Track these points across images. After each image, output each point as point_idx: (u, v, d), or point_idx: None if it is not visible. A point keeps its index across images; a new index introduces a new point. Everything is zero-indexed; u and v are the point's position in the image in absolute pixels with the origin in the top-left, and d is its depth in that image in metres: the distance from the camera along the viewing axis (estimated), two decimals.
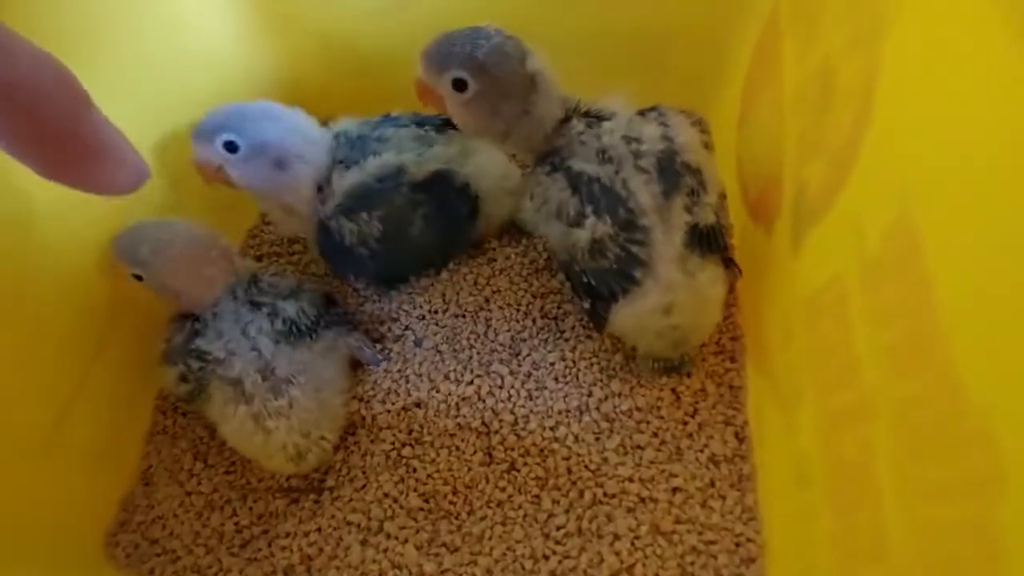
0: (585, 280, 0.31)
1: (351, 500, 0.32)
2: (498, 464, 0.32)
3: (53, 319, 0.31)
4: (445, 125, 0.37)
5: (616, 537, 0.29)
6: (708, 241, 0.31)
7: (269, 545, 0.32)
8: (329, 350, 0.34)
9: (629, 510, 0.30)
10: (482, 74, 0.30)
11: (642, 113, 0.32)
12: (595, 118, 0.32)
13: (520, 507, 0.31)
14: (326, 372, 0.33)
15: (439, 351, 0.35)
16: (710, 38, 0.41)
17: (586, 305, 0.32)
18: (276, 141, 0.33)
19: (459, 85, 0.30)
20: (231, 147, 0.32)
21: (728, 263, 0.32)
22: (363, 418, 0.34)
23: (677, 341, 0.31)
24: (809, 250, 0.28)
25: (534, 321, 0.36)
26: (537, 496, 0.31)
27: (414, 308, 0.37)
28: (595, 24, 0.42)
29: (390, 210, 0.34)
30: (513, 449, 0.32)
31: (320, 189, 0.35)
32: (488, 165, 0.37)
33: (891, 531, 0.22)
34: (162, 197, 0.38)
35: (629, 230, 0.29)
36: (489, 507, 0.31)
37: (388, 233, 0.34)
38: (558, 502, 0.31)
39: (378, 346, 0.36)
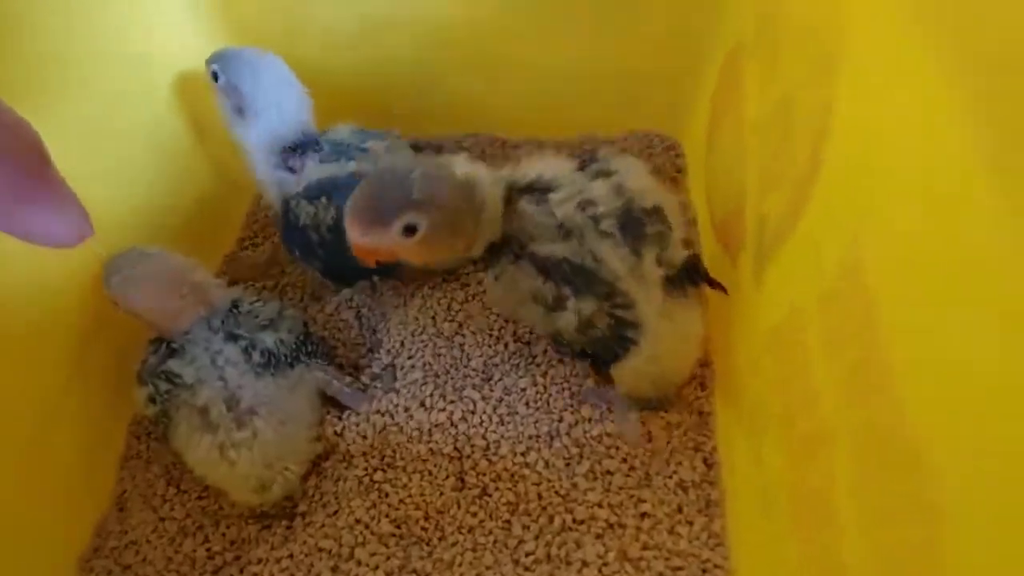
0: (579, 349, 0.31)
1: (323, 526, 0.32)
2: (470, 489, 0.33)
3: (27, 344, 0.31)
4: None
5: (584, 564, 0.29)
6: (687, 277, 0.31)
7: (241, 571, 0.32)
8: (298, 383, 0.34)
9: (598, 536, 0.30)
10: (430, 208, 0.28)
11: (583, 168, 0.31)
12: (540, 191, 0.30)
13: (491, 533, 0.31)
14: (292, 405, 0.33)
15: (413, 378, 0.36)
16: (682, 66, 0.42)
17: (587, 361, 0.33)
18: (244, 90, 0.37)
19: (409, 230, 0.28)
20: (214, 76, 0.37)
21: (712, 284, 0.33)
22: (336, 445, 0.34)
23: (661, 384, 0.32)
24: (771, 281, 0.29)
25: (506, 346, 0.36)
26: (508, 521, 0.31)
27: (388, 336, 0.38)
28: (576, 58, 0.43)
29: (383, 165, 0.35)
30: (485, 474, 0.33)
31: (292, 170, 0.37)
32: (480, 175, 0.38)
33: (850, 556, 0.22)
34: (144, 220, 0.39)
35: (612, 299, 0.29)
36: (460, 533, 0.31)
37: (340, 224, 0.33)
38: (528, 528, 0.31)
39: (352, 377, 0.36)
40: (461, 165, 0.30)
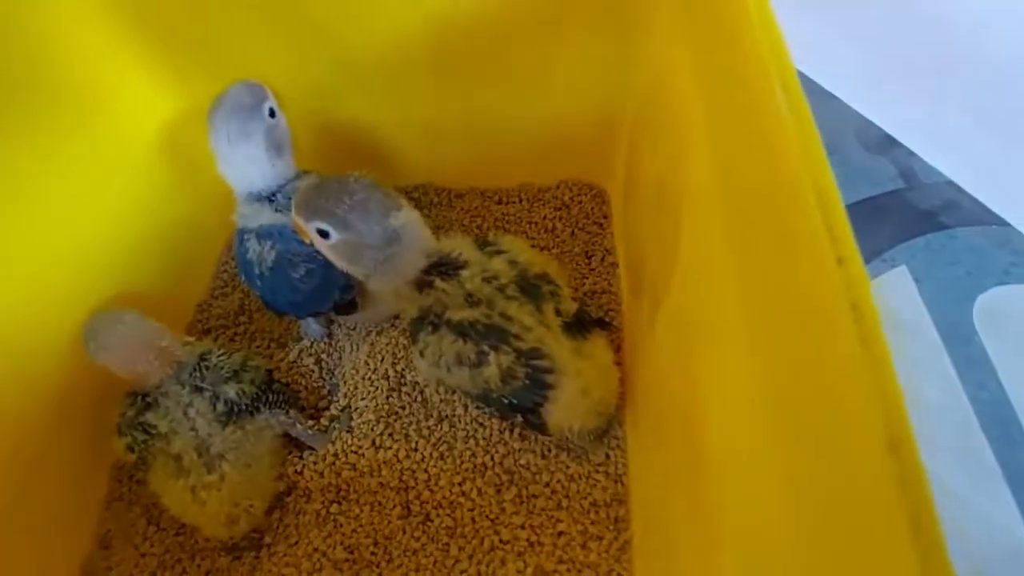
0: (507, 402, 0.35)
1: (285, 555, 0.37)
2: (414, 517, 0.37)
3: (14, 394, 0.35)
4: None
5: None
6: (580, 324, 0.36)
7: None
8: (263, 429, 0.38)
9: (519, 554, 0.35)
10: (344, 228, 0.33)
11: (481, 248, 0.36)
12: (451, 268, 0.35)
13: (431, 555, 0.36)
14: (257, 449, 0.37)
15: (366, 419, 0.40)
16: (603, 122, 0.47)
17: (518, 420, 0.37)
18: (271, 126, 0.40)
19: (323, 234, 0.34)
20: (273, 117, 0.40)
21: (604, 325, 0.38)
22: (296, 482, 0.39)
23: (600, 411, 0.36)
24: (658, 327, 0.34)
25: (445, 388, 0.41)
26: (447, 544, 0.36)
27: (344, 380, 0.42)
28: (506, 114, 0.48)
29: (284, 251, 0.39)
30: (427, 503, 0.37)
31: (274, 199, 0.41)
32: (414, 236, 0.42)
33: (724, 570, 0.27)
34: (119, 273, 0.43)
35: (526, 352, 0.33)
36: (405, 555, 0.36)
37: (275, 267, 0.39)
38: (463, 548, 0.36)
39: (313, 422, 0.41)
40: (407, 217, 0.34)
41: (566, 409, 0.35)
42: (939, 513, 0.12)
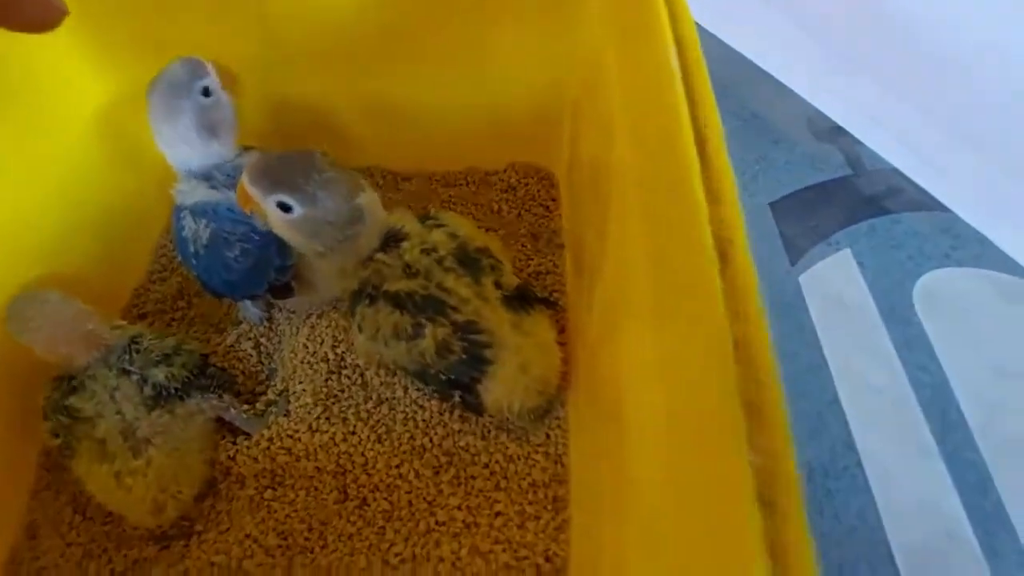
0: (444, 378, 0.34)
1: (215, 543, 0.35)
2: (351, 501, 0.36)
3: None
4: None
5: (440, 560, 0.33)
6: (523, 299, 0.36)
7: None
8: (193, 413, 0.37)
9: (455, 535, 0.34)
10: (310, 204, 0.32)
11: (422, 222, 0.36)
12: (392, 240, 0.35)
13: (367, 539, 0.35)
14: (186, 433, 0.36)
15: (303, 402, 0.39)
16: (549, 106, 0.47)
17: (456, 398, 0.36)
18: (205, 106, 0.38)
19: (284, 207, 0.32)
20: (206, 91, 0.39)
21: (548, 304, 0.38)
22: (230, 468, 0.38)
23: (540, 390, 0.36)
24: (595, 307, 0.34)
25: (385, 370, 0.40)
26: (383, 528, 0.35)
27: (282, 364, 0.41)
28: (452, 99, 0.47)
29: (218, 229, 0.38)
30: (364, 487, 0.37)
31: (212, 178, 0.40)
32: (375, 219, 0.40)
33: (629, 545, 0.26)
34: (50, 255, 0.41)
35: (463, 325, 0.33)
36: (340, 540, 0.35)
37: (210, 245, 0.38)
38: (399, 531, 0.35)
39: (248, 406, 0.40)
40: (371, 198, 0.34)
41: (504, 386, 0.34)
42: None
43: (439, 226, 0.36)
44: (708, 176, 0.16)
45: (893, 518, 0.37)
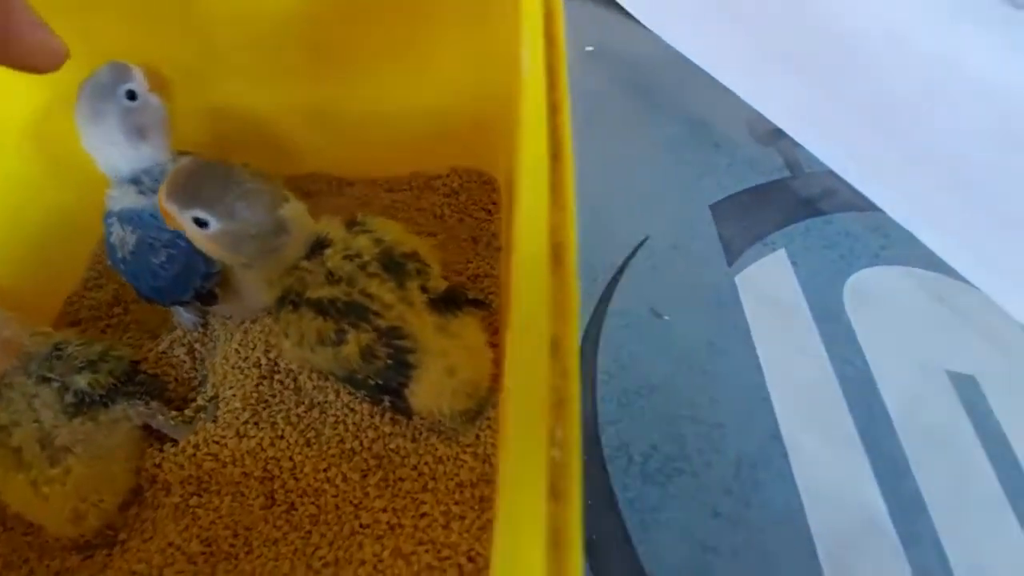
0: (372, 383, 0.34)
1: (138, 551, 0.35)
2: (279, 506, 0.36)
3: None
4: None
5: (362, 563, 0.33)
6: (451, 302, 0.36)
7: None
8: (118, 420, 0.36)
9: (378, 537, 0.34)
10: (227, 218, 0.32)
11: (349, 227, 0.36)
12: (317, 248, 0.35)
13: (292, 543, 0.35)
14: (110, 441, 0.36)
15: (232, 407, 0.39)
16: (491, 112, 0.47)
17: (386, 403, 0.36)
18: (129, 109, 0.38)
19: (200, 223, 0.32)
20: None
21: (479, 305, 0.38)
22: (156, 475, 0.37)
23: (468, 392, 0.36)
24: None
25: (319, 375, 0.40)
26: (309, 532, 0.35)
27: (214, 370, 0.41)
28: (395, 105, 0.47)
29: (144, 236, 0.38)
30: (292, 491, 0.36)
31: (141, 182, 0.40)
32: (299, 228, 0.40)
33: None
34: None
35: (385, 327, 0.33)
36: (265, 546, 0.35)
37: (136, 251, 0.38)
38: (324, 535, 0.35)
39: (177, 412, 0.39)
40: (295, 209, 0.34)
41: (431, 389, 0.34)
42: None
43: (365, 232, 0.36)
44: (555, 183, 0.16)
45: (816, 507, 0.38)
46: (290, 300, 0.34)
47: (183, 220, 0.33)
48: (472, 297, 0.38)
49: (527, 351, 0.13)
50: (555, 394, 0.12)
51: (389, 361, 0.33)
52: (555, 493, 0.11)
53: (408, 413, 0.36)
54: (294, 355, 0.36)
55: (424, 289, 0.35)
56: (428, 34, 0.43)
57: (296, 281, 0.35)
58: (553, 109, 0.18)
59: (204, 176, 0.33)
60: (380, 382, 0.34)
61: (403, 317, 0.34)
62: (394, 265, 0.35)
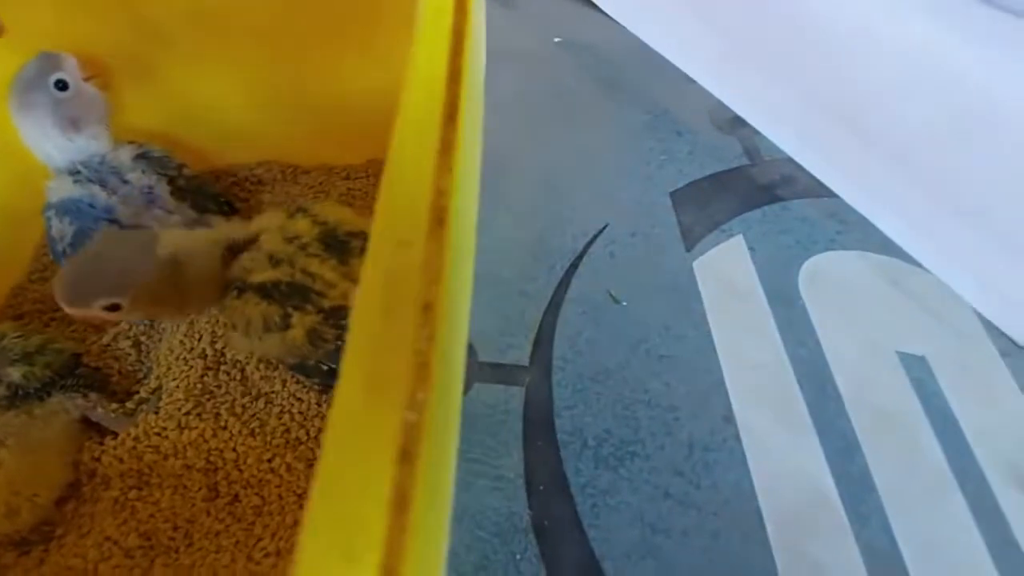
0: (324, 367, 0.34)
1: (74, 546, 0.34)
2: (222, 498, 0.35)
3: None
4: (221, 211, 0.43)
5: None
6: None
7: None
8: (55, 413, 0.36)
9: None
10: (127, 289, 0.31)
11: (291, 216, 0.36)
12: (249, 243, 0.35)
13: (234, 535, 0.34)
14: (45, 434, 0.35)
15: (175, 398, 0.38)
16: None
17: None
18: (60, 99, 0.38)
19: (111, 308, 0.32)
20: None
21: None
22: (95, 469, 0.36)
23: None
24: None
25: (266, 365, 0.39)
26: (252, 523, 0.34)
27: (158, 362, 0.40)
28: (341, 87, 0.47)
29: (82, 227, 0.38)
30: (236, 483, 0.36)
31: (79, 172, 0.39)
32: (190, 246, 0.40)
33: None
34: None
35: (329, 307, 0.32)
36: (207, 538, 0.34)
37: (75, 243, 0.38)
38: (267, 526, 0.34)
39: (118, 405, 0.38)
40: (169, 241, 0.33)
41: None
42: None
43: (305, 216, 0.35)
44: (445, 144, 0.16)
45: (766, 487, 0.38)
46: (235, 287, 0.34)
47: (96, 314, 0.32)
48: None
49: (390, 311, 0.13)
50: (418, 357, 0.12)
51: (339, 343, 0.33)
52: (405, 455, 0.11)
53: None
54: (243, 346, 0.35)
55: None
56: (379, 19, 0.42)
57: (240, 270, 0.34)
58: (454, 74, 0.18)
59: (83, 272, 0.32)
60: (332, 366, 0.34)
61: (347, 295, 0.33)
62: (336, 243, 0.34)
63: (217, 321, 0.41)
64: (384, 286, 0.13)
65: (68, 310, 0.32)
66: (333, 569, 0.10)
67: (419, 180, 0.15)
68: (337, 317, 0.33)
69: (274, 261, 0.34)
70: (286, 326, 0.33)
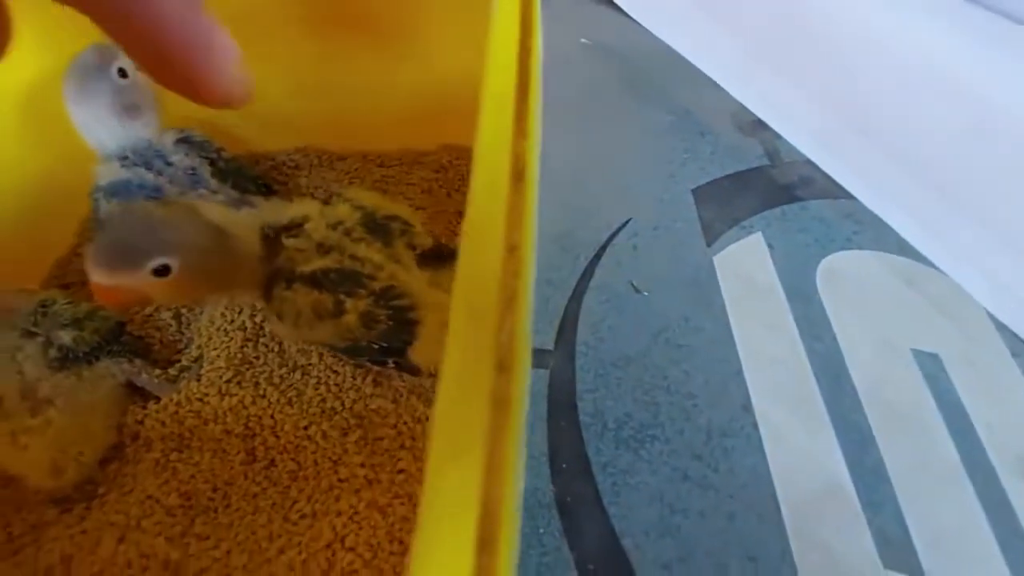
0: (376, 347, 0.34)
1: (116, 504, 0.35)
2: (259, 462, 0.37)
3: None
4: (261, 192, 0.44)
5: (338, 514, 0.34)
6: (437, 256, 0.37)
7: (38, 549, 0.35)
8: (102, 377, 0.37)
9: (356, 491, 0.35)
10: (181, 249, 0.30)
11: (326, 202, 0.37)
12: (296, 227, 0.35)
13: (271, 497, 0.35)
14: (92, 396, 0.36)
15: (216, 366, 0.40)
16: (477, 87, 0.49)
17: (391, 364, 0.35)
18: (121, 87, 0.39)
19: (161, 271, 0.30)
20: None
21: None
22: (138, 432, 0.38)
23: None
24: None
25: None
26: (287, 487, 0.36)
27: (199, 332, 0.42)
28: (385, 82, 0.48)
29: (126, 204, 0.39)
30: (272, 448, 0.37)
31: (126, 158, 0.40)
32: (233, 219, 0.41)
33: None
34: None
35: (380, 289, 0.33)
36: (244, 500, 0.36)
37: None
38: (303, 490, 0.36)
39: (161, 371, 0.40)
40: (211, 211, 0.32)
41: (429, 344, 0.34)
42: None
43: (343, 201, 0.36)
44: (520, 114, 0.18)
45: (782, 474, 0.39)
46: (283, 278, 0.34)
47: (142, 279, 0.29)
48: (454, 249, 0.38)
49: (483, 251, 0.14)
50: (506, 291, 0.13)
51: (391, 323, 0.33)
52: (502, 366, 0.12)
53: (415, 371, 0.36)
54: (290, 335, 0.36)
55: (412, 247, 0.36)
56: (420, 12, 0.44)
57: (285, 260, 0.34)
58: (525, 51, 0.19)
59: (129, 228, 0.30)
60: (384, 344, 0.34)
61: (395, 276, 0.34)
62: (377, 226, 0.35)
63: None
64: (479, 230, 0.14)
65: (108, 281, 0.29)
66: (447, 465, 0.11)
67: (501, 144, 0.17)
68: (387, 298, 0.33)
69: (324, 249, 0.34)
70: (340, 312, 0.33)
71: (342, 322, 0.33)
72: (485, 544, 0.10)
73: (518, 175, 0.16)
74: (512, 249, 0.14)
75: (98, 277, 0.29)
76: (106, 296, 0.30)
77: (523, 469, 0.12)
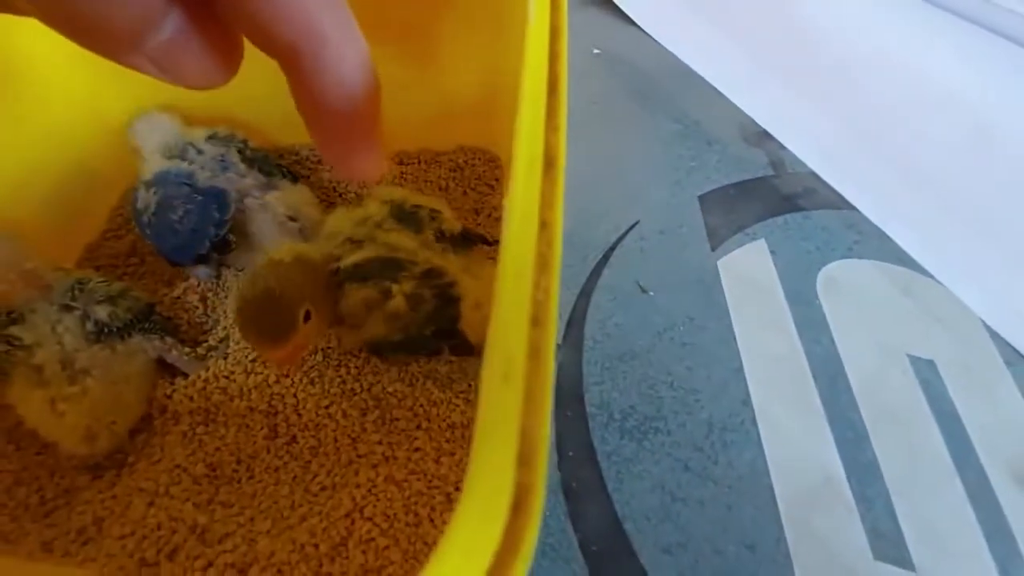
0: (427, 333, 0.35)
1: (145, 471, 0.37)
2: (280, 438, 0.39)
3: None
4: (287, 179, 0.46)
5: (357, 487, 0.36)
6: (464, 240, 0.39)
7: (70, 513, 0.37)
8: (134, 352, 0.39)
9: (374, 465, 0.37)
10: (309, 290, 0.32)
11: (356, 205, 0.39)
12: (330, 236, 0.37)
13: (292, 471, 0.37)
14: (125, 369, 0.38)
15: (243, 347, 0.42)
16: (496, 93, 0.51)
17: (447, 351, 0.37)
18: None
19: (307, 316, 0.32)
20: None
21: (486, 242, 0.41)
22: (166, 405, 0.40)
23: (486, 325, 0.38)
24: None
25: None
26: (308, 462, 0.38)
27: (226, 313, 0.44)
28: (405, 84, 0.51)
29: (165, 196, 0.41)
30: (294, 425, 0.39)
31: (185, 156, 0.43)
32: (276, 203, 0.44)
33: None
34: (7, 202, 0.43)
35: (420, 271, 0.35)
36: (267, 472, 0.37)
37: (157, 212, 0.41)
38: (323, 465, 0.37)
39: (190, 349, 0.42)
40: (301, 249, 0.34)
41: (465, 325, 0.36)
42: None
43: (368, 197, 0.38)
44: (551, 110, 0.20)
45: (779, 468, 0.41)
46: (334, 282, 0.35)
47: (300, 337, 0.32)
48: (479, 234, 0.40)
49: (522, 226, 0.16)
50: (541, 259, 0.15)
51: (436, 301, 0.34)
52: (535, 321, 0.14)
53: (471, 350, 0.37)
54: (352, 339, 0.37)
55: (442, 232, 0.38)
56: (440, 17, 0.46)
57: (327, 257, 0.36)
58: (554, 56, 0.21)
59: (262, 295, 0.31)
60: (435, 328, 0.35)
61: (430, 260, 0.36)
62: (406, 216, 0.37)
63: None
64: (519, 209, 0.17)
65: (277, 354, 0.31)
66: (495, 385, 0.13)
67: (535, 137, 0.19)
68: (430, 277, 0.34)
69: (355, 243, 0.36)
70: (386, 298, 0.34)
71: (390, 307, 0.34)
72: (524, 460, 0.12)
73: (550, 163, 0.18)
74: (544, 225, 0.16)
75: (275, 352, 0.31)
76: (288, 360, 0.32)
77: (552, 408, 0.14)
